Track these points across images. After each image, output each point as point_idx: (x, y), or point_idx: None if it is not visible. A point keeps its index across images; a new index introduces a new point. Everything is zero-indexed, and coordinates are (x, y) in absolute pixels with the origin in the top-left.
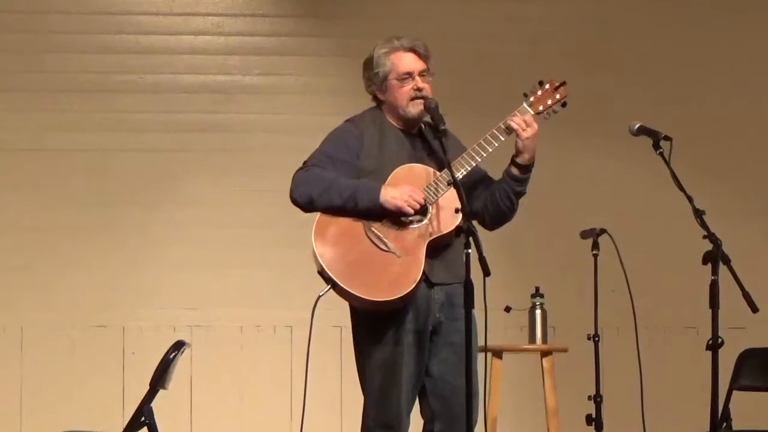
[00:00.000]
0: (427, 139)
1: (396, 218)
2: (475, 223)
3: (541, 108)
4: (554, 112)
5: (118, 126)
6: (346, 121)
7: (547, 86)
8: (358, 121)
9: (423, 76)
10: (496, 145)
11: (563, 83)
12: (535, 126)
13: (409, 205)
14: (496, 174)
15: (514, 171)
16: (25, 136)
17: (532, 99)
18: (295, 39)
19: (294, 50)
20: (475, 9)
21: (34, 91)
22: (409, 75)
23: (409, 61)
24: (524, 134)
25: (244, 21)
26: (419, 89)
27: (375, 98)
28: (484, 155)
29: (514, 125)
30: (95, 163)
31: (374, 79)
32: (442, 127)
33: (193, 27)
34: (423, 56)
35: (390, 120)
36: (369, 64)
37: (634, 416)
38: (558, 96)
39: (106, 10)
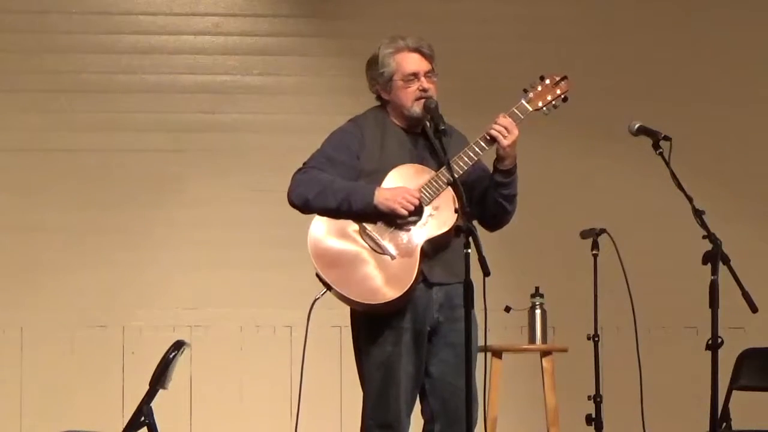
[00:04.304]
0: (430, 138)
1: (391, 219)
2: (475, 223)
3: (540, 104)
4: (554, 107)
5: (118, 126)
6: (349, 120)
7: (547, 81)
8: (361, 120)
9: (428, 76)
10: (481, 154)
11: (564, 77)
12: (516, 132)
13: (402, 207)
14: None
15: (498, 177)
16: (25, 136)
17: (531, 95)
18: (295, 39)
19: (294, 50)
20: (475, 8)
21: (34, 91)
22: (415, 76)
23: (414, 62)
24: (504, 141)
25: (243, 21)
26: (424, 90)
27: (379, 97)
28: (471, 163)
29: (494, 133)
30: (95, 163)
31: (379, 78)
32: (442, 127)
33: (192, 27)
34: (428, 56)
35: (393, 119)
36: (373, 64)
37: (634, 416)
38: (558, 91)
39: (106, 10)
